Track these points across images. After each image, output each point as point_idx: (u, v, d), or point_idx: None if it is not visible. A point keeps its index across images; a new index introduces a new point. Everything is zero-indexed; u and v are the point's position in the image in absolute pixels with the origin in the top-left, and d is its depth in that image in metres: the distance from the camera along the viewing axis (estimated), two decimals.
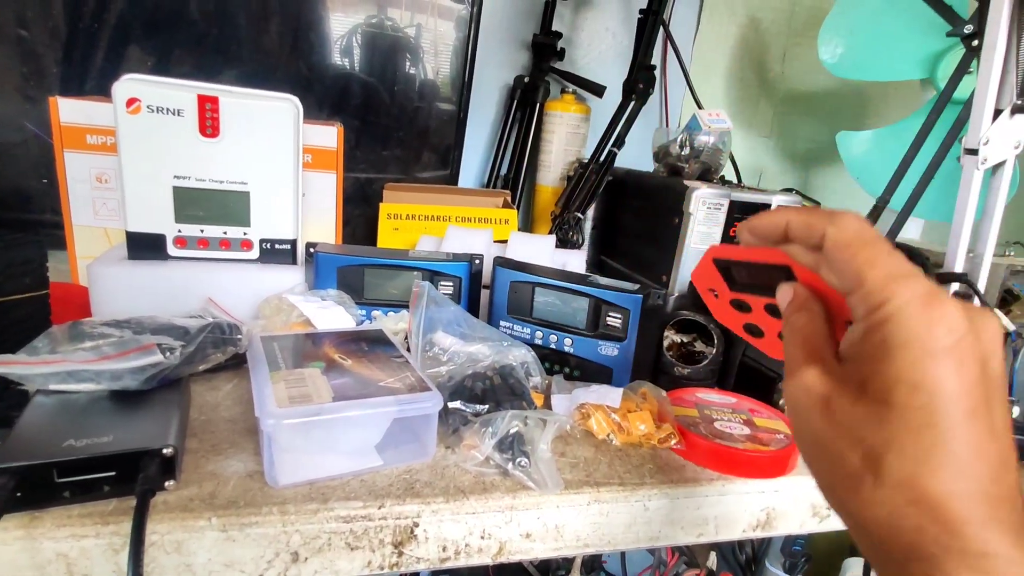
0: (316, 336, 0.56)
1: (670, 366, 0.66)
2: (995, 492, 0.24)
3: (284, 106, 0.65)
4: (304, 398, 0.43)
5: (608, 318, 0.62)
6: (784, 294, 0.32)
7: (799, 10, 1.26)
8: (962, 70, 0.79)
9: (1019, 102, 0.54)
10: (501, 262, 0.67)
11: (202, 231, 0.66)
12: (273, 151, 0.66)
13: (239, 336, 0.54)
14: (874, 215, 0.82)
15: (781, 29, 1.26)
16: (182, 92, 0.61)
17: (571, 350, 0.64)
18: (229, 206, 0.66)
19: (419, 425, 0.47)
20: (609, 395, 0.54)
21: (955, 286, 0.60)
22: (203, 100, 0.62)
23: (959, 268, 0.60)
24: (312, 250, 0.68)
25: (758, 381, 0.65)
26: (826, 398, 0.28)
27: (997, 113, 0.55)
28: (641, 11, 0.97)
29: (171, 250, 0.66)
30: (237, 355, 0.55)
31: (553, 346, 0.65)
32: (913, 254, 0.53)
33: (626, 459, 0.51)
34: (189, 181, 0.64)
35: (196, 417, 0.50)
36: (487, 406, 0.52)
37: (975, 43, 0.76)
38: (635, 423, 0.52)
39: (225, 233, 0.67)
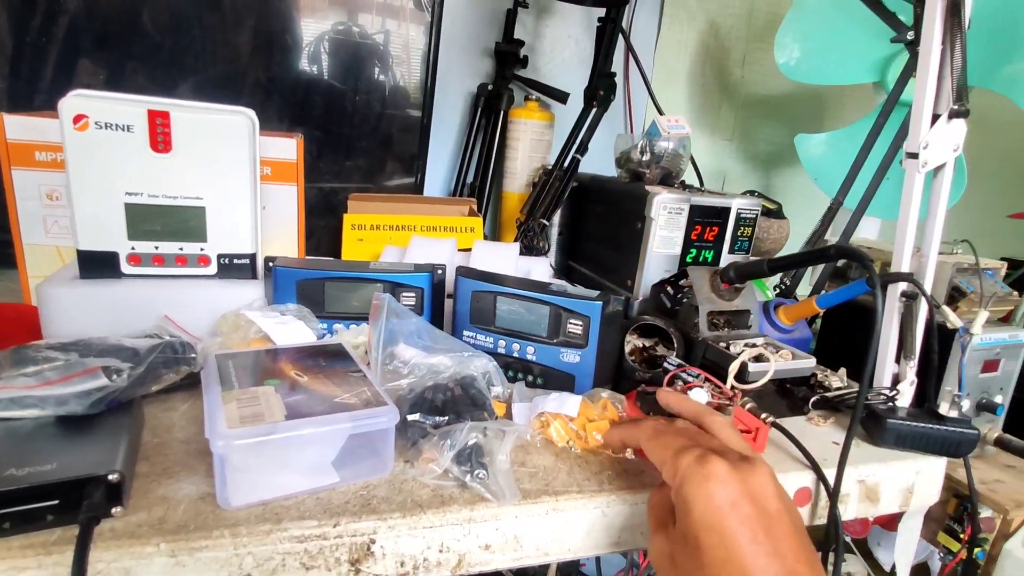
0: (274, 352, 0.56)
1: (632, 371, 0.67)
2: None
3: (238, 119, 0.65)
4: (256, 417, 0.42)
5: (569, 325, 0.63)
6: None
7: (757, 15, 1.29)
8: (907, 74, 0.81)
9: (955, 107, 0.56)
10: (463, 272, 0.67)
11: (157, 248, 0.65)
12: (228, 165, 0.66)
13: (193, 355, 0.53)
14: (829, 215, 0.85)
15: (740, 34, 1.29)
16: (131, 107, 0.60)
17: (534, 358, 0.65)
18: (184, 222, 0.65)
19: (376, 440, 0.47)
20: (567, 403, 0.55)
21: (903, 285, 0.61)
22: (153, 115, 0.61)
23: (906, 268, 0.62)
24: (271, 264, 0.67)
25: (720, 374, 0.66)
26: (670, 554, 0.37)
27: (935, 118, 0.57)
28: (600, 19, 0.98)
29: (125, 268, 0.65)
30: (192, 374, 0.54)
31: (516, 354, 0.65)
32: (856, 255, 0.55)
33: (585, 466, 0.52)
34: (141, 197, 0.63)
35: (149, 440, 0.49)
36: (447, 418, 0.52)
37: (918, 49, 0.79)
38: (591, 433, 0.52)
39: (181, 249, 0.66)
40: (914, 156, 0.58)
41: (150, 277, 0.66)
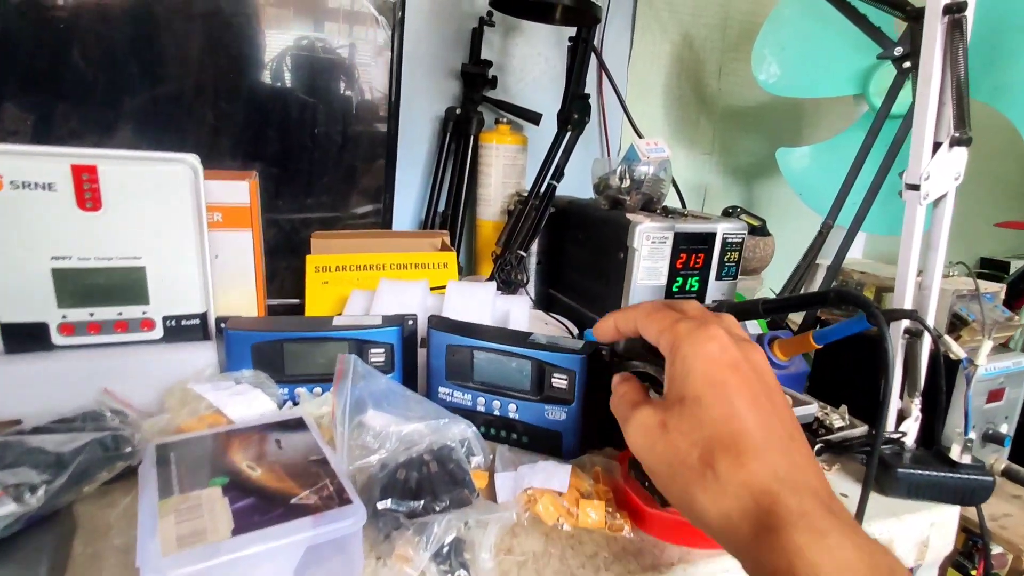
0: (225, 435, 0.49)
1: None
2: (785, 464, 0.31)
3: (177, 169, 0.59)
4: (197, 536, 0.36)
5: (553, 380, 0.58)
6: (614, 381, 0.43)
7: (732, 25, 1.26)
8: (896, 90, 0.78)
9: (956, 134, 0.52)
10: (436, 323, 0.62)
11: (92, 314, 0.59)
12: (169, 218, 0.60)
13: (129, 448, 0.47)
14: (820, 239, 0.81)
15: (715, 45, 1.26)
16: (52, 162, 0.54)
17: (516, 416, 0.59)
18: (122, 284, 0.59)
19: (342, 543, 0.41)
20: (556, 476, 0.50)
21: (905, 322, 0.58)
22: (78, 170, 0.54)
23: (909, 303, 0.58)
24: (223, 326, 0.61)
25: None
26: (661, 422, 0.35)
27: (936, 146, 0.53)
28: (571, 39, 0.94)
29: (56, 339, 0.58)
30: (131, 467, 0.48)
31: (497, 412, 0.60)
32: (859, 301, 0.51)
33: (579, 548, 0.47)
34: (70, 261, 0.56)
35: (81, 551, 0.43)
36: (422, 502, 0.47)
37: (906, 64, 0.76)
38: (585, 511, 0.47)
39: (120, 314, 0.60)
40: (915, 188, 0.54)
41: (86, 347, 0.59)
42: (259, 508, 0.39)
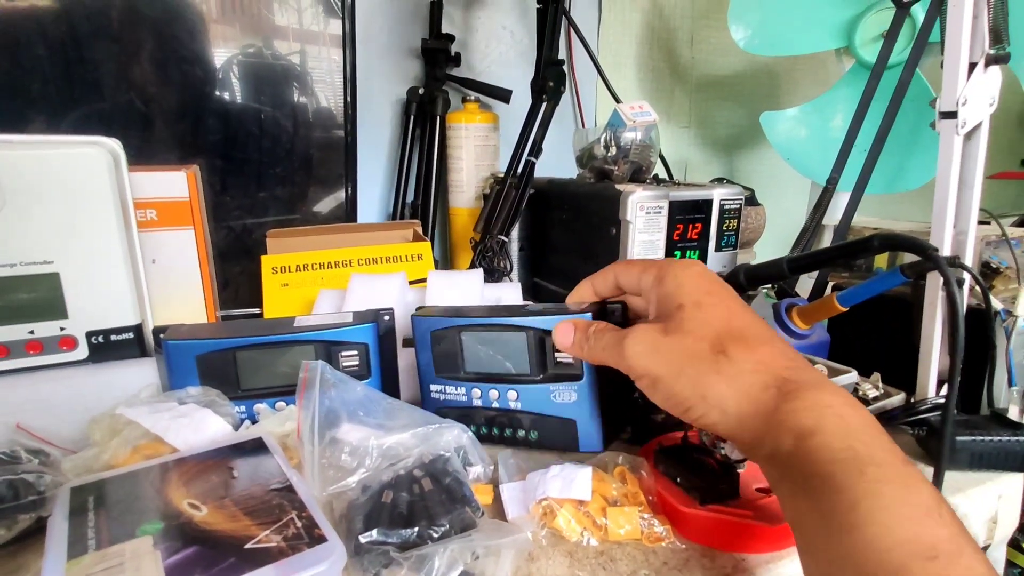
0: (162, 469, 0.40)
1: (643, 409, 0.54)
2: (790, 354, 0.34)
3: (91, 153, 0.49)
4: None
5: (557, 353, 0.48)
6: (575, 325, 0.42)
7: None
8: (894, 35, 0.73)
9: (992, 52, 0.46)
10: (419, 311, 0.53)
11: None
12: (86, 214, 0.50)
13: (35, 496, 0.37)
14: (826, 197, 0.75)
15: (685, 12, 1.20)
16: None
17: (519, 405, 0.49)
18: (30, 296, 0.49)
19: None
20: (576, 482, 0.41)
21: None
22: None
23: (947, 250, 0.52)
24: (161, 337, 0.51)
25: None
26: (662, 328, 0.35)
27: (971, 68, 0.47)
28: (540, 2, 0.86)
29: None
30: (42, 519, 0.38)
31: (496, 404, 0.50)
32: (912, 244, 0.44)
33: (612, 566, 0.38)
34: None
35: None
36: (417, 529, 0.38)
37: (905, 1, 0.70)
38: (615, 520, 0.39)
39: (32, 333, 0.50)
40: (951, 116, 0.47)
41: None
42: (202, 560, 0.30)
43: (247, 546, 0.31)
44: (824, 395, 0.30)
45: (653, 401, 0.36)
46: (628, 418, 0.56)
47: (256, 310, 0.79)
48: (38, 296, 0.49)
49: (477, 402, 0.51)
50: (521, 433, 0.50)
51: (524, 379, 0.49)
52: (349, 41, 0.87)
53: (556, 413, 0.49)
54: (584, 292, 0.45)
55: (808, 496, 0.28)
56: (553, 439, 0.49)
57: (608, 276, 0.43)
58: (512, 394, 0.50)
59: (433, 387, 0.52)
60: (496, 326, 0.49)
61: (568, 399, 0.48)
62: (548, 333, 0.46)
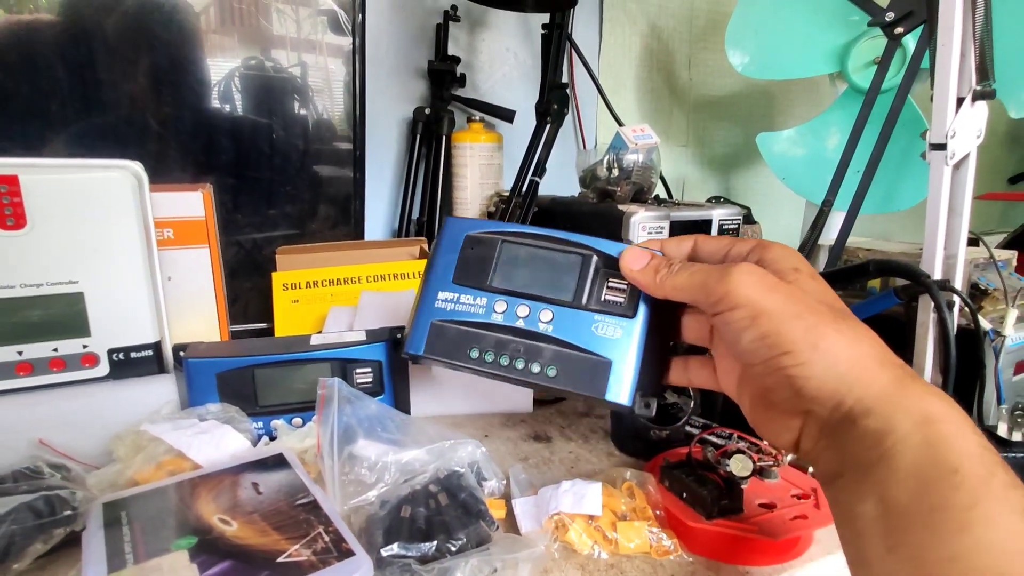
0: (190, 484, 0.41)
1: (644, 429, 0.56)
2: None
3: (117, 176, 0.50)
4: None
5: (608, 285, 0.41)
6: (639, 254, 0.39)
7: (698, 14, 1.24)
8: (887, 61, 0.76)
9: (979, 88, 0.49)
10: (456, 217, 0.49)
11: (20, 353, 0.50)
12: (110, 235, 0.51)
13: (69, 511, 0.38)
14: (821, 218, 0.78)
15: (683, 36, 1.23)
16: None
17: (549, 329, 0.41)
18: (55, 314, 0.50)
19: None
20: (587, 497, 0.43)
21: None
22: None
23: (937, 273, 0.54)
24: (181, 355, 0.52)
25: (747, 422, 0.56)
26: (775, 274, 0.33)
27: (959, 103, 0.50)
28: (544, 26, 0.89)
29: None
30: (74, 533, 0.39)
31: (521, 324, 0.41)
32: (907, 271, 0.46)
33: None
34: None
35: None
36: (435, 542, 0.39)
37: (897, 30, 0.73)
38: (626, 535, 0.41)
39: (56, 350, 0.51)
40: (941, 147, 0.50)
41: (15, 392, 0.50)
42: (238, 574, 0.31)
43: (279, 560, 0.33)
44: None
45: (733, 341, 0.32)
46: (625, 437, 0.57)
47: (264, 325, 0.81)
48: (62, 314, 0.50)
49: (496, 317, 0.42)
50: (535, 367, 0.40)
51: (563, 302, 0.41)
52: (359, 60, 0.89)
53: (592, 348, 0.40)
54: (652, 245, 0.40)
55: (916, 484, 0.26)
56: (575, 379, 0.40)
57: (686, 242, 0.39)
58: (546, 314, 0.41)
59: (442, 294, 0.43)
60: (549, 239, 0.42)
61: (612, 335, 0.40)
62: (609, 259, 0.41)
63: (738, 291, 0.31)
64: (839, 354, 0.29)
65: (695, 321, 0.40)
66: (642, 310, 0.40)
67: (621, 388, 0.39)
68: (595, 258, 0.41)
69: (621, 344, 0.40)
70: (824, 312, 0.31)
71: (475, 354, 0.41)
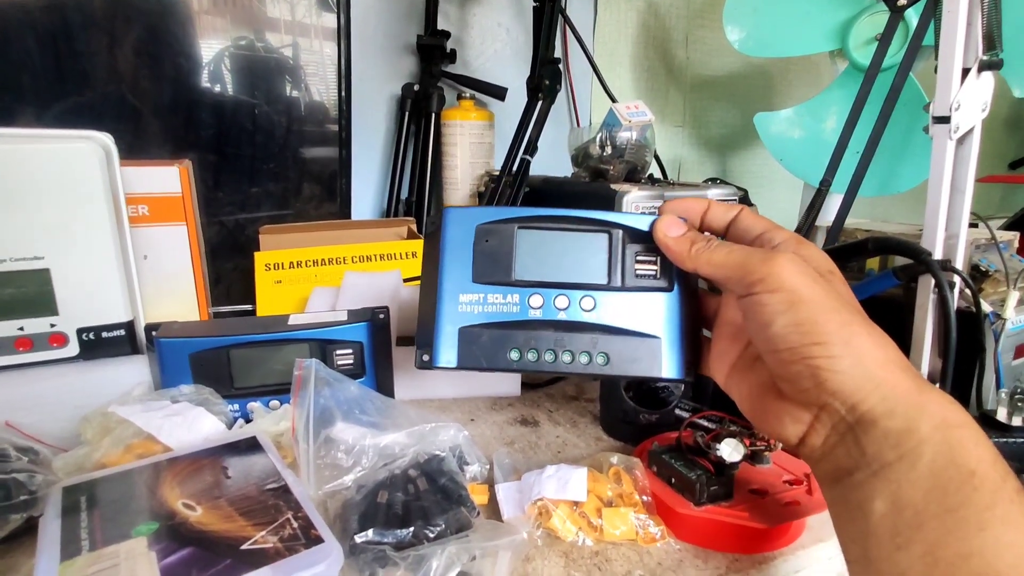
0: (155, 468, 0.40)
1: (634, 412, 0.54)
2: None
3: (84, 147, 0.48)
4: None
5: (639, 260, 0.39)
6: (675, 223, 0.37)
7: None
8: (888, 36, 0.73)
9: (985, 58, 0.47)
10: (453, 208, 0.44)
11: None
12: (77, 209, 0.49)
13: (27, 495, 0.36)
14: (819, 199, 0.75)
15: (680, 13, 1.20)
16: None
17: (593, 317, 0.38)
18: (19, 292, 0.48)
19: None
20: (571, 482, 0.41)
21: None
22: None
23: (938, 253, 0.52)
24: (154, 334, 0.51)
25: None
26: (817, 273, 0.32)
27: (964, 74, 0.47)
28: (536, 0, 0.86)
29: None
30: (33, 518, 0.38)
31: (563, 316, 0.38)
32: (907, 249, 0.44)
33: (607, 566, 0.39)
34: None
35: None
36: (412, 528, 0.38)
37: (900, 3, 0.71)
38: (611, 522, 0.39)
39: (22, 329, 0.49)
40: (944, 120, 0.48)
41: None
42: (198, 562, 0.30)
43: (243, 547, 0.31)
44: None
45: (763, 323, 0.31)
46: (613, 421, 0.56)
47: (248, 307, 0.79)
48: (28, 292, 0.48)
49: (534, 313, 0.39)
50: (584, 359, 0.39)
51: (600, 285, 0.39)
52: (344, 35, 0.86)
53: (640, 328, 0.39)
54: (698, 205, 0.38)
55: (934, 485, 0.26)
56: (628, 363, 0.38)
57: (732, 210, 0.37)
58: (587, 302, 0.39)
59: (464, 297, 0.39)
60: (566, 220, 0.39)
61: (655, 311, 0.39)
62: (633, 232, 0.39)
63: (781, 275, 0.31)
64: (868, 353, 0.30)
65: (702, 301, 0.40)
66: (678, 281, 0.39)
67: (674, 362, 0.38)
68: (620, 233, 0.39)
69: (666, 319, 0.38)
70: (857, 313, 0.31)
71: (516, 355, 0.38)
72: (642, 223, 0.38)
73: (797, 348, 0.30)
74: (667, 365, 0.38)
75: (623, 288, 0.39)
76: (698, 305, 0.40)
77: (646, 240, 0.38)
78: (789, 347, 0.30)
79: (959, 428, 0.27)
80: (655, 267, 0.39)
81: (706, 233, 0.38)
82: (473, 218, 0.40)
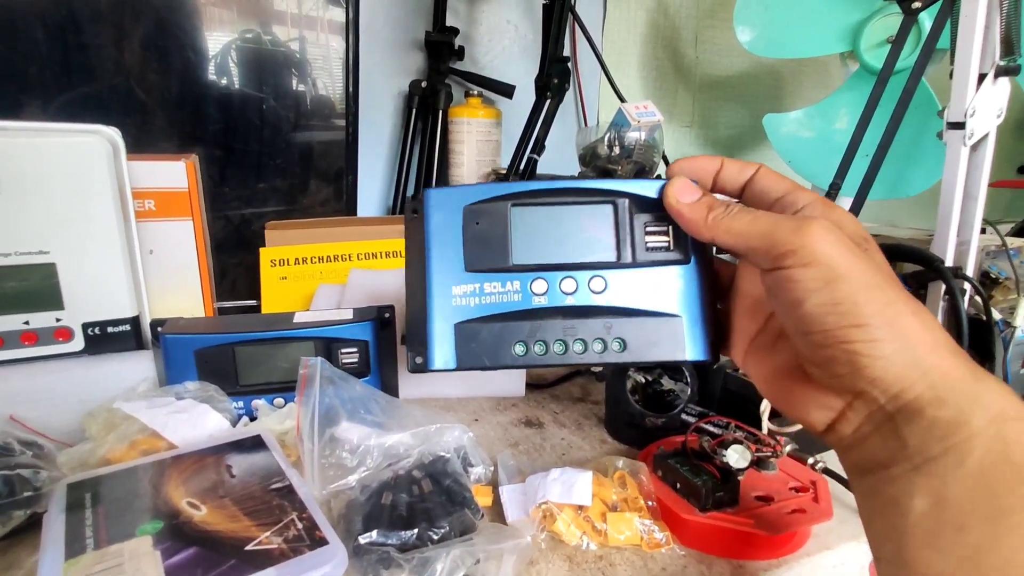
0: (160, 465, 0.39)
1: (640, 416, 0.54)
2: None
3: (91, 141, 0.48)
4: None
5: (648, 231, 0.34)
6: (688, 187, 0.32)
7: None
8: (902, 39, 0.73)
9: (1003, 63, 0.46)
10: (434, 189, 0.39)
11: None
12: (83, 203, 0.49)
13: (29, 492, 0.36)
14: (831, 198, 0.75)
15: (690, 12, 1.19)
16: None
17: (606, 299, 0.34)
18: (25, 286, 0.48)
19: None
20: (576, 486, 0.41)
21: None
22: None
23: (950, 259, 0.52)
24: (159, 330, 0.50)
25: (746, 410, 0.54)
26: (853, 244, 0.28)
27: (980, 79, 0.47)
28: None
29: None
30: (36, 515, 0.38)
31: (571, 301, 0.34)
32: (922, 257, 0.44)
33: (611, 571, 0.38)
34: None
35: None
36: (417, 530, 0.38)
37: (915, 5, 0.70)
38: (616, 527, 0.39)
39: (27, 323, 0.49)
40: (959, 126, 0.47)
41: None
42: (203, 562, 0.30)
43: (248, 548, 0.31)
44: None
45: (794, 301, 0.27)
46: (619, 424, 0.55)
47: (253, 302, 0.79)
48: (33, 286, 0.48)
49: (538, 300, 0.34)
50: (597, 346, 0.34)
51: (609, 263, 0.34)
52: (352, 30, 0.86)
53: (658, 307, 0.34)
54: (710, 163, 0.34)
55: (983, 484, 0.24)
56: (648, 347, 0.34)
57: (749, 168, 0.33)
58: (597, 282, 0.34)
59: (457, 289, 0.34)
60: (564, 192, 0.35)
61: (673, 286, 0.34)
62: (640, 200, 0.34)
63: (816, 247, 0.27)
64: (916, 336, 0.26)
65: (719, 272, 0.36)
66: (695, 251, 0.34)
67: (697, 343, 0.34)
68: (626, 202, 0.34)
69: (685, 294, 0.34)
70: (900, 290, 0.27)
71: (521, 349, 0.34)
72: (650, 189, 0.34)
73: (833, 331, 0.27)
74: (690, 346, 0.34)
75: (635, 264, 0.34)
76: (715, 276, 0.35)
77: (655, 208, 0.33)
78: (824, 329, 0.27)
79: (1017, 422, 0.24)
80: (668, 238, 0.34)
81: (721, 196, 0.33)
82: (459, 198, 0.35)
